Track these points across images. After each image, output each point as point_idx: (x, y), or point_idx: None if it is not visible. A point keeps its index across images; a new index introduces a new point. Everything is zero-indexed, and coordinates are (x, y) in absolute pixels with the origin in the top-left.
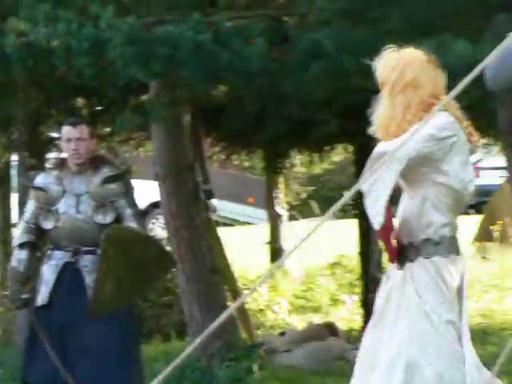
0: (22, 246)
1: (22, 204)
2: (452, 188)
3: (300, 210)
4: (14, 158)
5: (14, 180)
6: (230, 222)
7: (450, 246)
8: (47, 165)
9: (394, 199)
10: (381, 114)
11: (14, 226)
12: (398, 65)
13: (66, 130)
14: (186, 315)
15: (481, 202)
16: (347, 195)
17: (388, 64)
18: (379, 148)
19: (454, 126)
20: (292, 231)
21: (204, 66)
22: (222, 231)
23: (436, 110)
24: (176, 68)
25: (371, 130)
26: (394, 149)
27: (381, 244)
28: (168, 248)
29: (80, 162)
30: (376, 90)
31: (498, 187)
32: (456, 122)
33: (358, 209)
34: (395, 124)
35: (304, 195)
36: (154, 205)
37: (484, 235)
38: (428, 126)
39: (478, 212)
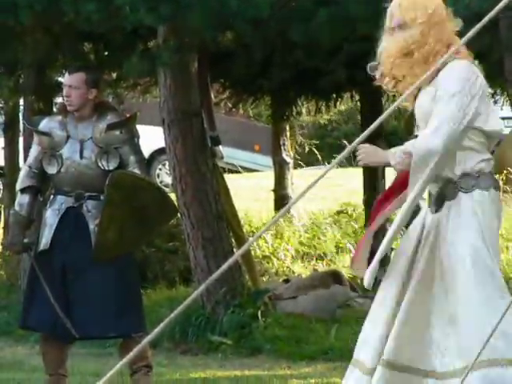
0: (24, 190)
1: (27, 148)
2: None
3: (305, 158)
4: (22, 102)
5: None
6: (237, 169)
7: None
8: (55, 109)
9: None
10: (407, 43)
11: (20, 169)
12: (427, 3)
13: (65, 76)
14: (191, 261)
15: None
16: (353, 144)
17: (415, 3)
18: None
19: (474, 69)
20: (298, 179)
21: (212, 11)
22: (228, 178)
23: (446, 57)
24: (184, 13)
25: (381, 66)
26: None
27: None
28: (172, 195)
29: (72, 110)
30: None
31: (504, 137)
32: (473, 65)
33: None
34: (423, 52)
35: (308, 145)
36: (161, 151)
37: None
38: (454, 82)
39: None
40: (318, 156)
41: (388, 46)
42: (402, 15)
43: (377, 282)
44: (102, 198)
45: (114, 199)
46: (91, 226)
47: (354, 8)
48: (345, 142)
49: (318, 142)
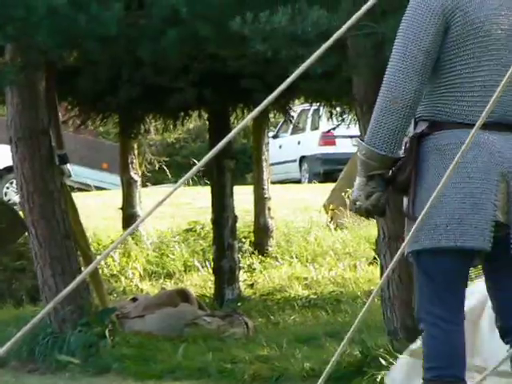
0: None
1: None
2: None
3: (154, 177)
4: None
5: None
6: (84, 188)
7: None
8: None
9: None
10: None
11: None
12: None
13: None
14: (39, 280)
15: (335, 169)
16: (201, 162)
17: None
18: None
19: None
20: (146, 197)
21: (60, 30)
22: (76, 197)
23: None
24: (31, 31)
25: None
26: None
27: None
28: (21, 213)
29: None
30: (230, 58)
31: (351, 155)
32: None
33: (211, 176)
34: None
35: (157, 163)
36: (9, 169)
37: (337, 202)
38: None
39: (333, 180)
40: (168, 174)
41: None
42: None
43: None
44: None
45: None
46: None
47: (202, 28)
48: (193, 160)
49: (168, 159)
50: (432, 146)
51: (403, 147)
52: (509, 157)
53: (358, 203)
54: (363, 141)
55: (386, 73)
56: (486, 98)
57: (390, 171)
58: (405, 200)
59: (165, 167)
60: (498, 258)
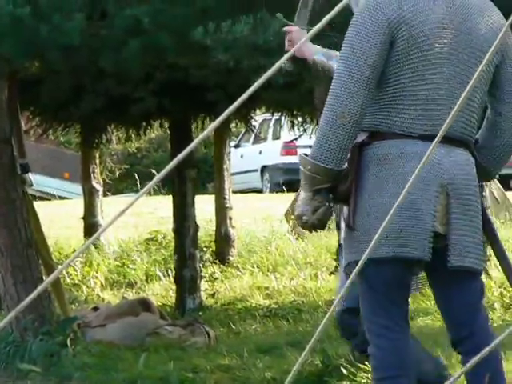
0: None
1: None
2: None
3: (114, 186)
4: None
5: None
6: (46, 197)
7: None
8: None
9: None
10: None
11: None
12: None
13: None
14: (0, 289)
15: (297, 179)
16: (162, 173)
17: None
18: None
19: None
20: (108, 206)
21: (23, 40)
22: (37, 205)
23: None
24: None
25: None
26: None
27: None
28: None
29: None
30: (192, 68)
31: None
32: None
33: (172, 185)
34: None
35: (119, 172)
36: None
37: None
38: None
39: (295, 190)
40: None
41: None
42: None
43: None
44: None
45: None
46: None
47: (164, 39)
48: (153, 170)
49: (128, 166)
50: (372, 155)
51: None
52: (449, 168)
53: (304, 218)
54: (307, 155)
55: (332, 87)
56: (427, 111)
57: None
58: (345, 209)
59: (126, 176)
60: (437, 268)
